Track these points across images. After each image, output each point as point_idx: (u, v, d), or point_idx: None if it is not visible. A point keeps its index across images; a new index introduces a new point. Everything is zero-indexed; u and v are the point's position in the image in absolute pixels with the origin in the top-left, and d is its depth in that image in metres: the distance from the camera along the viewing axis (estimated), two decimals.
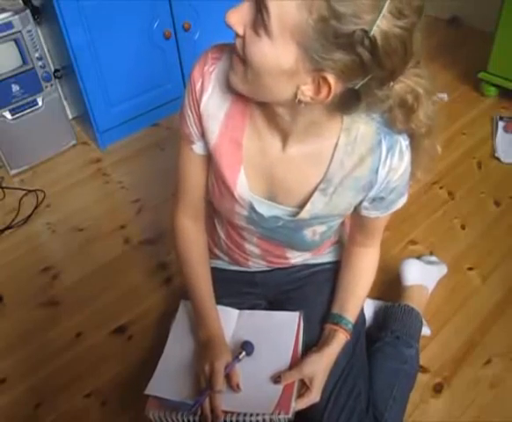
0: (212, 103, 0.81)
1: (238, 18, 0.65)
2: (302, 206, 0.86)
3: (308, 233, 0.90)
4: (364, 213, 0.89)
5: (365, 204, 0.86)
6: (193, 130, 0.87)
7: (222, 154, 0.85)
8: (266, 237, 0.96)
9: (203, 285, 1.00)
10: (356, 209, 0.89)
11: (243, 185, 0.86)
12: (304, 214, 0.85)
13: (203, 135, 0.86)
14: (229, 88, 0.78)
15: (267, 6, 0.60)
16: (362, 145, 0.78)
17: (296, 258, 1.04)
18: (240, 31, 0.66)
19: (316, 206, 0.84)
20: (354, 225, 0.97)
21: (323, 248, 1.07)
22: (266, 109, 0.78)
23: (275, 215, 0.88)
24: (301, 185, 0.84)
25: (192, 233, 1.01)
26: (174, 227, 1.01)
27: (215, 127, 0.83)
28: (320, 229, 0.90)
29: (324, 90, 0.65)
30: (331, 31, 0.58)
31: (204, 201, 0.99)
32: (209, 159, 0.90)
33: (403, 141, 0.78)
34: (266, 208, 0.88)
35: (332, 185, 0.82)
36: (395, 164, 0.79)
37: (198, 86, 0.81)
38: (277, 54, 0.63)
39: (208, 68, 0.80)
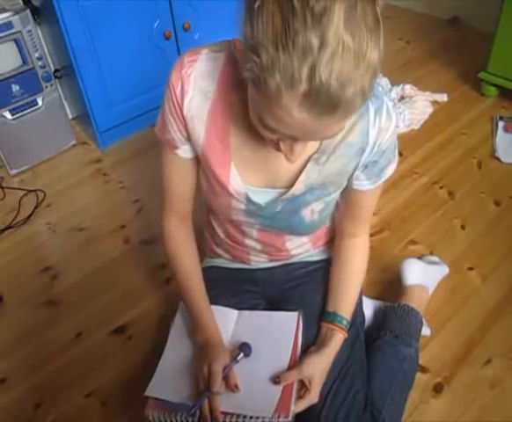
0: (194, 104, 0.81)
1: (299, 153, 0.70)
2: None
3: (306, 213, 0.90)
4: (356, 185, 0.89)
5: (357, 173, 0.86)
6: (177, 135, 0.86)
7: (211, 153, 0.85)
8: (266, 227, 0.95)
9: (196, 288, 1.00)
10: (348, 184, 0.89)
11: (236, 179, 0.86)
12: (300, 185, 0.85)
13: (189, 138, 0.86)
14: (208, 87, 0.80)
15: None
16: None
17: (296, 248, 1.04)
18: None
19: (310, 175, 0.84)
20: (344, 212, 0.98)
21: (320, 238, 1.07)
22: None
23: (272, 200, 0.88)
24: (296, 163, 0.83)
25: (181, 238, 1.01)
26: (163, 233, 1.01)
27: (200, 128, 0.84)
28: (318, 206, 0.90)
29: None
30: None
31: (191, 204, 0.99)
32: (197, 161, 0.91)
33: (388, 102, 0.81)
34: (262, 196, 0.88)
35: (326, 155, 0.83)
36: (384, 124, 0.80)
37: (178, 90, 0.81)
38: None
39: (186, 70, 0.80)
